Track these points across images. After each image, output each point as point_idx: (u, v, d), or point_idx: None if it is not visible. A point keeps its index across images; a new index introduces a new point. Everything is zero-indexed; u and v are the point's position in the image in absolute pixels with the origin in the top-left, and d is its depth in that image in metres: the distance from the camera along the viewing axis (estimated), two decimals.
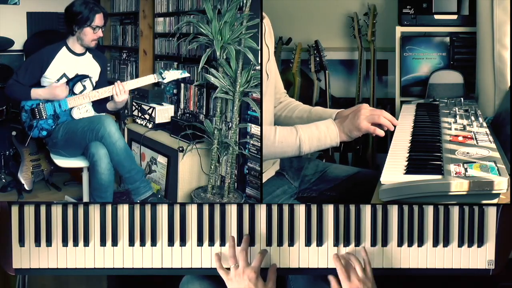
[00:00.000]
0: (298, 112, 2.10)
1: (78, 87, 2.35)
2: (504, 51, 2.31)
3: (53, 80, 2.32)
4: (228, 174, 2.31)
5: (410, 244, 1.79)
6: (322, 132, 1.82)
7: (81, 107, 2.36)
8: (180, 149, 2.41)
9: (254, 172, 2.31)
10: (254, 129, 2.29)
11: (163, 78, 2.33)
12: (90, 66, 2.40)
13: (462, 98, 2.50)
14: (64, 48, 2.36)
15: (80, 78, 2.35)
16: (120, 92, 2.28)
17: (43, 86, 2.33)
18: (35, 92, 2.30)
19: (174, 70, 2.37)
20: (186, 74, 2.41)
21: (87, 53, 2.40)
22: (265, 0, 1.93)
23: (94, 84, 2.39)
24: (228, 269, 1.73)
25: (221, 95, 2.26)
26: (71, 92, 2.34)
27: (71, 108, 2.34)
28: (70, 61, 2.36)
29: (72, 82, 2.34)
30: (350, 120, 1.82)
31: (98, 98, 2.32)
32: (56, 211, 1.79)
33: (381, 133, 1.82)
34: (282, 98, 2.16)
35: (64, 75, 2.33)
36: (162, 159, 2.55)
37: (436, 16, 2.71)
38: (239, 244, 1.78)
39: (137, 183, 2.28)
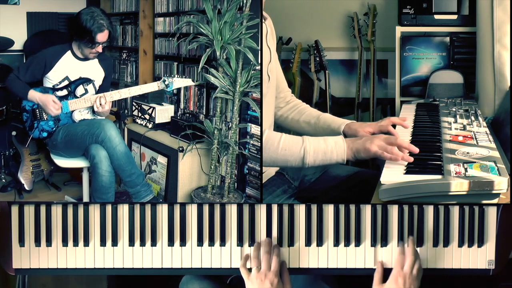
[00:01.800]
0: (306, 116, 2.08)
1: (79, 90, 2.34)
2: (504, 51, 2.31)
3: (55, 82, 2.32)
4: (228, 174, 2.31)
5: None
6: (330, 146, 1.77)
7: (83, 110, 2.36)
8: (180, 149, 2.41)
9: (254, 172, 2.32)
10: (254, 129, 2.29)
11: (167, 86, 2.32)
12: (94, 71, 2.39)
13: (462, 98, 2.50)
14: (69, 52, 2.35)
15: (82, 81, 2.34)
16: (102, 106, 2.28)
17: (45, 87, 2.32)
18: (32, 94, 2.30)
19: (178, 78, 2.35)
20: (191, 83, 2.41)
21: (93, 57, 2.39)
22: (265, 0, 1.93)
23: (97, 88, 2.38)
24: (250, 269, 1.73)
25: (221, 95, 2.26)
26: (73, 95, 2.33)
27: (72, 111, 2.33)
28: (74, 65, 2.35)
29: (74, 84, 2.33)
30: (362, 142, 1.77)
31: (89, 105, 2.32)
32: (56, 211, 1.79)
33: (386, 156, 1.74)
34: (288, 98, 2.15)
35: (66, 77, 2.32)
36: (162, 159, 2.55)
37: (436, 16, 2.71)
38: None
39: (137, 187, 2.28)
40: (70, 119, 2.34)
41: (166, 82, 2.32)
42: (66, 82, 2.32)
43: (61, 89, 2.32)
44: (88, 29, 2.24)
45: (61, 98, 2.31)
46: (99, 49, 2.31)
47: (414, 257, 1.71)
